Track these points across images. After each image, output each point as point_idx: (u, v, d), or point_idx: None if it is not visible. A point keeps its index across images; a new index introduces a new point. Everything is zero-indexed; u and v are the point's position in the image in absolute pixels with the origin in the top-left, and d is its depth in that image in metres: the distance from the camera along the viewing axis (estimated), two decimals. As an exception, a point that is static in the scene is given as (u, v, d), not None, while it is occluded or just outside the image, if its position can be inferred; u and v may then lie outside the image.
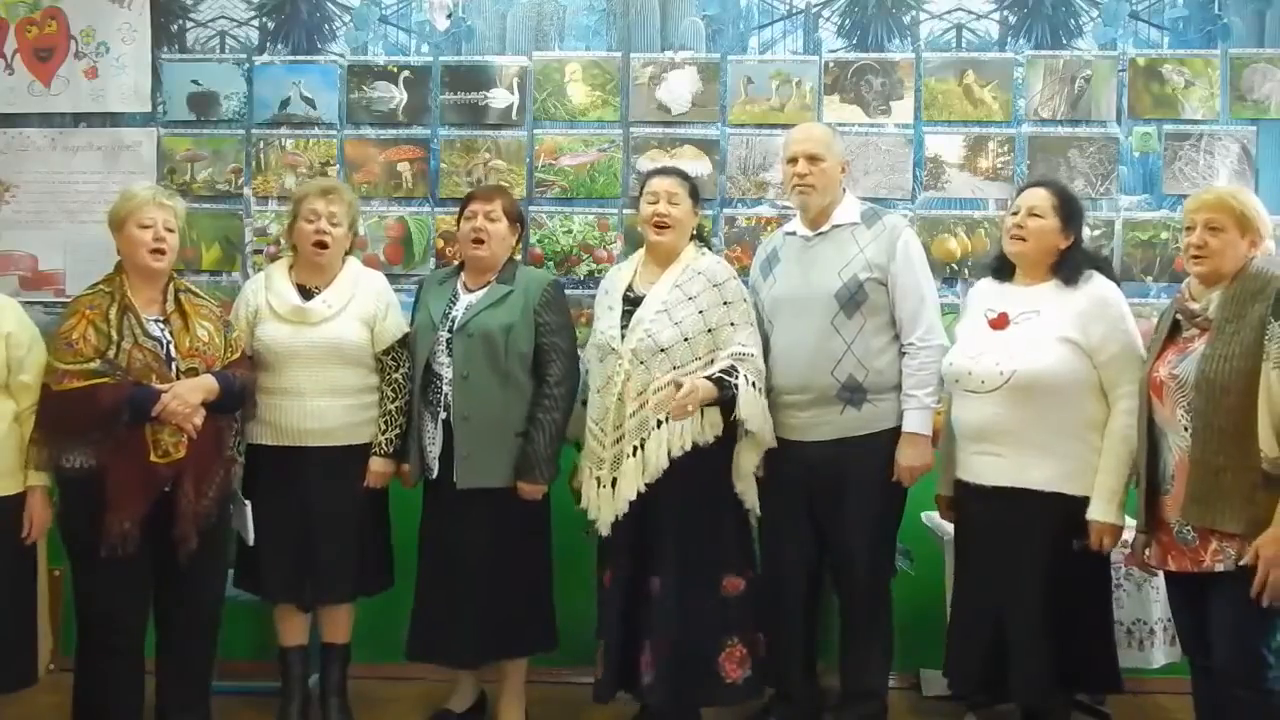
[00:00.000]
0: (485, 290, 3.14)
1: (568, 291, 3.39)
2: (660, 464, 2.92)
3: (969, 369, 2.85)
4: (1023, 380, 2.75)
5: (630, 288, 3.11)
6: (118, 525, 2.74)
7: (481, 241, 3.13)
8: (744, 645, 3.02)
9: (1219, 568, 2.46)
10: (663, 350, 2.97)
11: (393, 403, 3.16)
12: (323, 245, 3.12)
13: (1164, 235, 3.65)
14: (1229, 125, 3.67)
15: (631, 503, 2.94)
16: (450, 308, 3.15)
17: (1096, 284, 2.83)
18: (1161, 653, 3.20)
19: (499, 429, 3.06)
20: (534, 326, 3.11)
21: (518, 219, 3.24)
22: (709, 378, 2.93)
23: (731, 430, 2.98)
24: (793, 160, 3.07)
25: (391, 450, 3.15)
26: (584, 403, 3.15)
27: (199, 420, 2.82)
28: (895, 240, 3.03)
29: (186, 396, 2.80)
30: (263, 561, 3.10)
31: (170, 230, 2.92)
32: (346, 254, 3.23)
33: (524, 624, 3.14)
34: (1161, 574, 2.79)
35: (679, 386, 2.87)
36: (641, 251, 3.19)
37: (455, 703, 3.30)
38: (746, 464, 3.03)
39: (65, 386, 2.77)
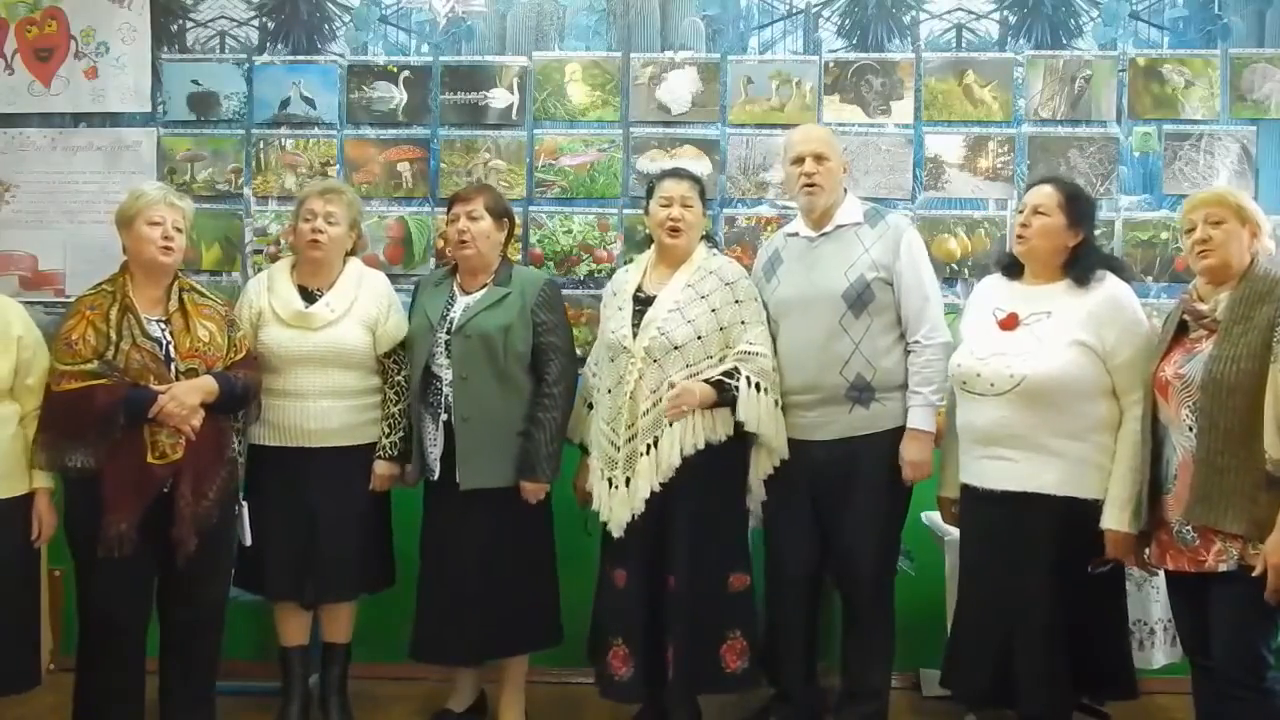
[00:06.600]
0: (483, 292, 3.15)
1: (567, 292, 3.39)
2: (673, 462, 2.92)
3: (977, 371, 2.79)
4: (1033, 385, 2.70)
5: (640, 288, 3.11)
6: (114, 526, 2.74)
7: (465, 243, 3.13)
8: (744, 638, 3.03)
9: (1222, 568, 2.46)
10: (676, 348, 2.97)
11: (396, 405, 3.17)
12: (316, 243, 3.12)
13: (1164, 235, 3.65)
14: (1229, 125, 3.67)
15: (647, 501, 2.94)
16: (448, 309, 3.15)
17: (1109, 285, 2.76)
18: (1161, 653, 3.19)
19: (500, 429, 3.07)
20: (531, 326, 3.11)
21: (504, 214, 3.21)
22: (709, 381, 2.94)
23: (745, 428, 2.98)
24: (798, 160, 3.06)
25: (396, 453, 3.16)
26: (590, 406, 3.14)
27: (197, 422, 2.82)
28: (900, 239, 3.03)
29: (184, 398, 2.80)
30: (265, 560, 3.10)
31: (179, 230, 2.91)
32: (349, 255, 3.24)
33: (529, 620, 3.14)
34: (1161, 574, 2.77)
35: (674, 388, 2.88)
36: (650, 253, 3.19)
37: (455, 702, 3.30)
38: (761, 467, 3.04)
39: (64, 387, 2.77)
